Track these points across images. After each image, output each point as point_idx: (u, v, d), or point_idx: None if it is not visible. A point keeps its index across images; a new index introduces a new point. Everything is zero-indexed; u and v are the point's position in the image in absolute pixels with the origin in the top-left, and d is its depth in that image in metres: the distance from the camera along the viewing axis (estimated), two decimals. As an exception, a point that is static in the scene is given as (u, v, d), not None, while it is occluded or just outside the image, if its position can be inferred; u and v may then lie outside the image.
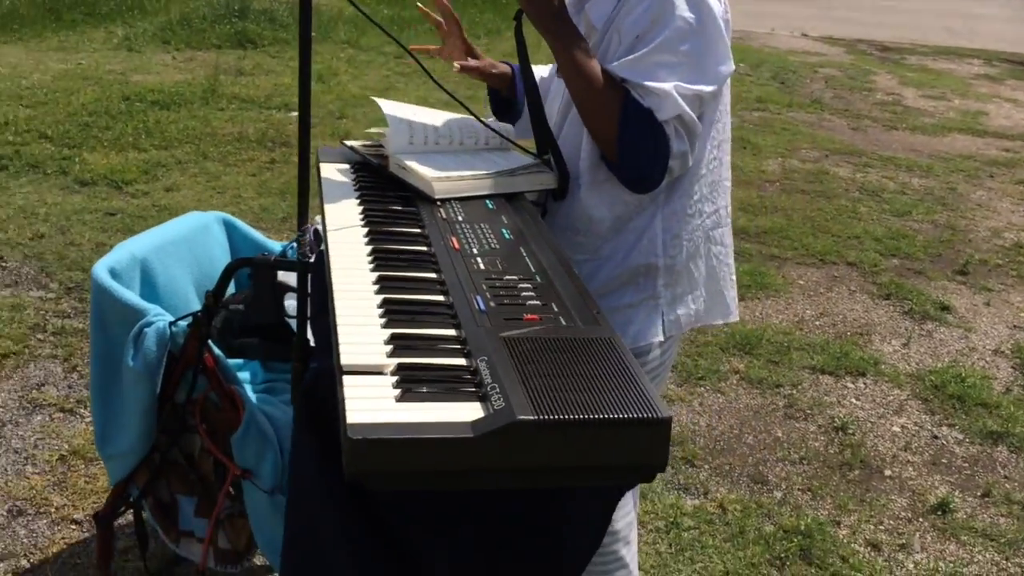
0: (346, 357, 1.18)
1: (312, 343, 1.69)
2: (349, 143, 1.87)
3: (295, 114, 6.15)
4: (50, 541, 2.47)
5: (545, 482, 1.13)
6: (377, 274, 1.39)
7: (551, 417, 1.06)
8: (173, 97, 6.48)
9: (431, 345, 1.22)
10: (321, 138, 5.84)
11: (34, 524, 2.53)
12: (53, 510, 2.58)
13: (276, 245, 2.37)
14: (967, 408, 3.48)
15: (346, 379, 1.13)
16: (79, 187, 4.85)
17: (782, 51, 10.93)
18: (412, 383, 1.13)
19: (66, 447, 2.83)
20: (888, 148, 7.06)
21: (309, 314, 1.71)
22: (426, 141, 1.80)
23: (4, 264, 3.95)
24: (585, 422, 1.06)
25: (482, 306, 1.30)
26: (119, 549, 2.39)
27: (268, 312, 1.92)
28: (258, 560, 2.34)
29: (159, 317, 1.96)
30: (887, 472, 3.08)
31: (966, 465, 3.15)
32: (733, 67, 1.63)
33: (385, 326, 1.25)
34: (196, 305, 2.12)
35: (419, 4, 2.05)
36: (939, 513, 2.88)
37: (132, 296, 2.01)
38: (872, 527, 2.80)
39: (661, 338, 1.74)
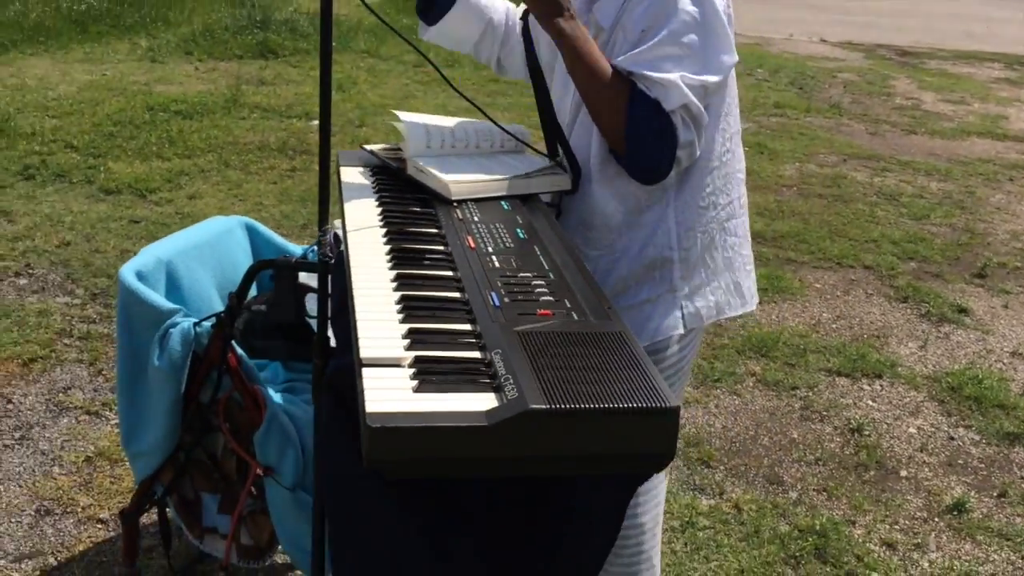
0: (365, 351, 1.22)
1: (332, 342, 1.73)
2: (368, 147, 1.92)
3: (315, 123, 6.22)
4: (76, 540, 2.53)
5: (557, 469, 1.16)
6: (395, 272, 1.43)
7: (563, 406, 1.09)
8: (196, 107, 6.57)
9: (447, 339, 1.26)
10: (341, 146, 5.90)
11: (61, 523, 2.58)
12: (79, 510, 2.64)
13: (297, 248, 2.42)
14: (984, 409, 3.48)
15: (365, 371, 1.17)
16: (104, 195, 4.94)
17: (800, 56, 10.93)
18: (429, 375, 1.17)
19: (92, 448, 2.89)
20: (907, 152, 7.05)
21: (329, 314, 1.75)
22: (443, 144, 1.84)
23: (31, 271, 4.03)
24: (595, 411, 1.10)
25: (496, 302, 1.34)
26: (144, 547, 2.45)
27: (289, 312, 1.97)
28: (279, 558, 2.39)
29: (184, 318, 2.01)
30: (903, 473, 3.09)
31: (982, 466, 3.16)
32: (736, 58, 1.66)
33: (403, 321, 1.30)
34: (219, 306, 2.17)
35: None
36: (955, 513, 2.89)
37: (158, 298, 2.06)
38: (887, 527, 2.81)
39: (682, 331, 1.77)
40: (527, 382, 1.13)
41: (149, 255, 2.18)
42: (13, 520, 2.58)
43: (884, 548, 2.71)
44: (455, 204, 1.69)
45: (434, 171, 1.73)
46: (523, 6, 1.82)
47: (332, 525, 1.57)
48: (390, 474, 1.12)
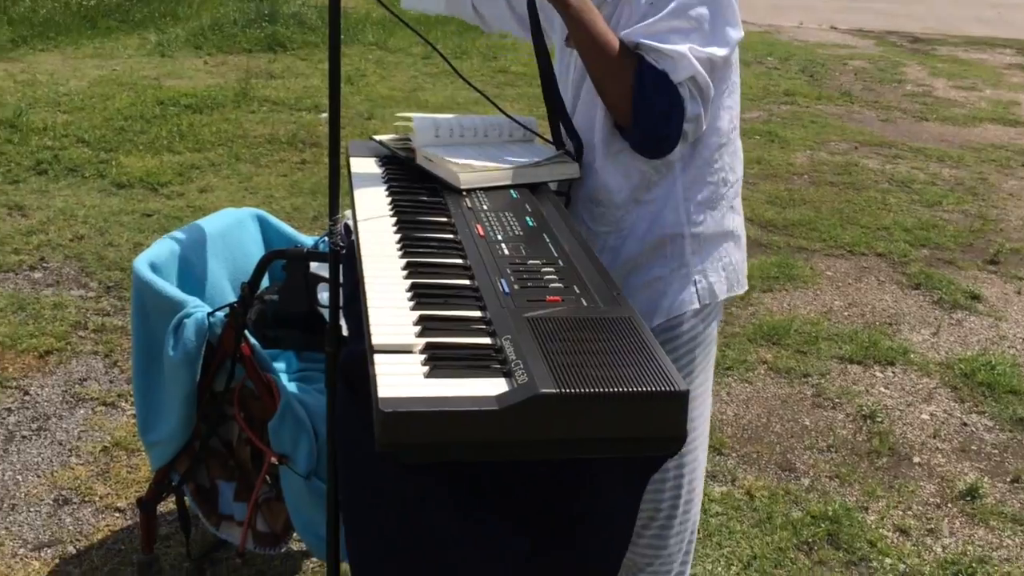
0: (377, 338, 1.23)
1: (345, 331, 1.75)
2: (378, 137, 1.93)
3: (325, 115, 6.23)
4: (94, 528, 2.56)
5: (567, 453, 1.17)
6: (406, 260, 1.45)
7: (572, 390, 1.10)
8: (206, 101, 6.60)
9: (458, 326, 1.27)
10: (350, 138, 5.91)
11: (79, 512, 2.61)
12: (97, 499, 2.67)
13: (308, 239, 2.43)
14: (997, 395, 3.47)
15: (377, 358, 1.19)
16: (116, 189, 4.97)
17: (811, 44, 10.88)
18: (440, 360, 1.18)
19: (108, 439, 2.92)
20: (918, 139, 7.02)
21: (341, 303, 1.76)
22: (452, 134, 1.85)
23: (46, 265, 4.06)
24: (604, 395, 1.11)
25: (506, 289, 1.35)
26: (161, 535, 2.48)
27: (301, 302, 1.98)
28: (295, 544, 2.41)
29: (198, 308, 2.03)
30: (916, 459, 3.09)
31: (995, 451, 3.16)
32: (742, 33, 1.66)
33: (414, 308, 1.31)
34: (232, 297, 2.19)
35: None
36: (968, 499, 2.89)
37: (172, 288, 2.08)
38: (900, 512, 2.81)
39: (696, 306, 1.77)
40: (537, 367, 1.14)
41: (162, 247, 2.20)
42: (32, 509, 2.61)
43: (897, 534, 2.72)
44: (464, 193, 1.70)
45: (443, 160, 1.74)
46: None
47: (346, 511, 1.59)
48: (402, 459, 1.13)
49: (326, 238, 2.20)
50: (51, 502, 2.64)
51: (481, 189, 1.72)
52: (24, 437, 2.92)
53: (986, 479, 3.00)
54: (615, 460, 1.40)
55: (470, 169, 1.72)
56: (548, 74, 1.81)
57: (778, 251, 4.70)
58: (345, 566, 1.78)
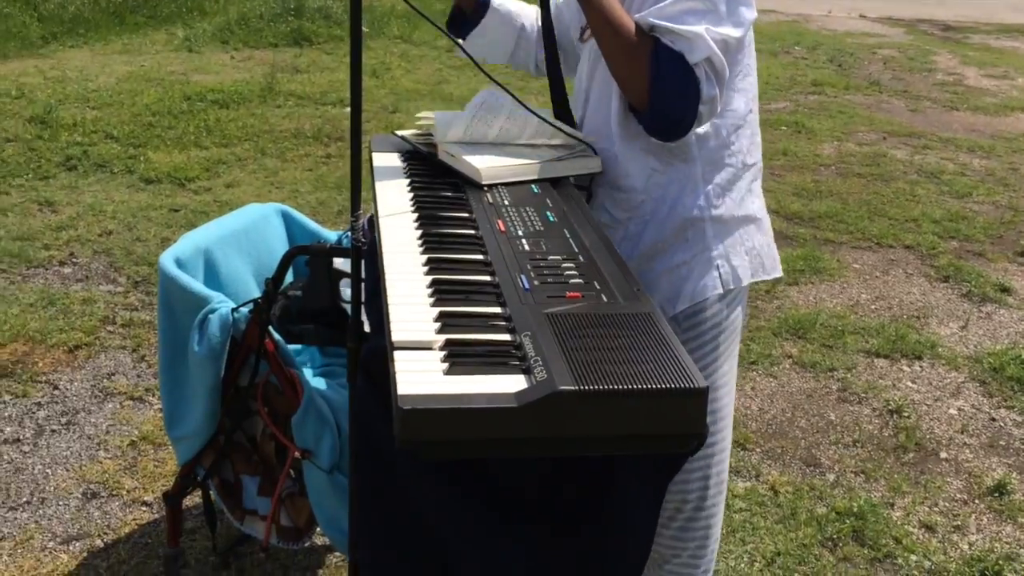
0: (397, 334, 1.23)
1: (367, 326, 1.76)
2: (400, 133, 1.93)
3: (349, 109, 6.27)
4: (122, 522, 2.59)
5: (587, 450, 1.17)
6: (427, 256, 1.45)
7: (591, 387, 1.10)
8: (232, 96, 6.64)
9: (478, 322, 1.27)
10: (374, 132, 5.93)
11: (107, 506, 2.65)
12: (125, 492, 2.70)
13: (331, 234, 2.45)
14: (1027, 390, 3.43)
15: (397, 354, 1.19)
16: (144, 185, 5.01)
17: (839, 33, 10.76)
18: (459, 357, 1.18)
19: (136, 433, 2.96)
20: (948, 129, 6.93)
21: (363, 298, 1.77)
22: (474, 130, 1.85)
23: (75, 260, 4.11)
24: (624, 392, 1.11)
25: (526, 285, 1.35)
26: (187, 529, 2.50)
27: (324, 297, 1.99)
28: (318, 539, 2.43)
29: (222, 304, 2.05)
30: (943, 454, 3.06)
31: (1025, 447, 3.12)
32: (755, 13, 1.66)
33: (434, 305, 1.31)
34: (256, 292, 2.20)
35: None
36: (996, 495, 2.86)
37: (197, 284, 2.10)
38: (927, 509, 2.79)
39: (720, 291, 1.76)
40: (556, 364, 1.14)
41: (188, 243, 2.22)
42: (61, 503, 2.65)
43: (923, 530, 2.69)
44: (485, 188, 1.70)
45: (465, 156, 1.74)
46: None
47: (359, 505, 1.59)
48: (422, 455, 1.14)
49: (349, 233, 2.22)
50: (80, 496, 2.68)
51: (503, 184, 1.72)
52: (54, 431, 2.96)
53: (1014, 475, 2.96)
54: (636, 458, 1.40)
55: (492, 165, 1.72)
56: (559, 79, 1.82)
57: (804, 243, 4.66)
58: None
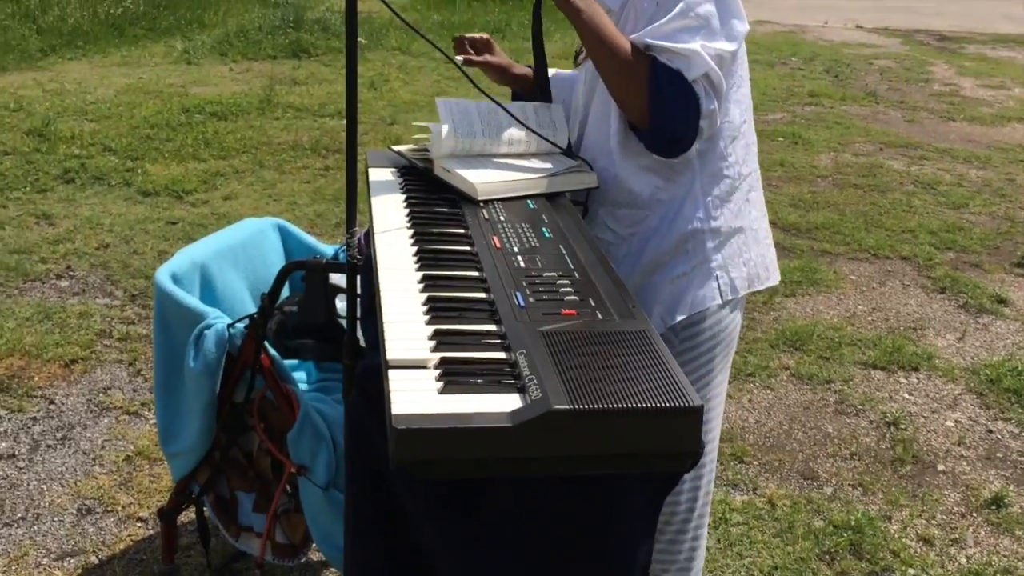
0: (392, 352, 1.23)
1: (362, 342, 1.75)
2: (396, 148, 1.93)
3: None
4: (117, 538, 2.58)
5: (582, 469, 1.17)
6: (422, 273, 1.45)
7: (585, 406, 1.10)
8: (230, 108, 6.65)
9: (472, 340, 1.27)
10: (373, 144, 5.95)
11: (102, 522, 2.64)
12: (120, 508, 2.69)
13: (328, 249, 2.44)
14: (1023, 402, 3.43)
15: (391, 373, 1.19)
16: (142, 197, 5.01)
17: (836, 44, 10.80)
18: (454, 376, 1.18)
19: (131, 448, 2.95)
20: (945, 140, 6.95)
21: (359, 314, 1.77)
22: (471, 146, 1.85)
23: (72, 273, 4.11)
24: (619, 411, 1.10)
25: (522, 302, 1.35)
26: (182, 545, 2.49)
27: (320, 313, 1.99)
28: (314, 555, 2.42)
29: (218, 319, 2.04)
30: (940, 467, 3.05)
31: (1022, 459, 3.11)
32: (748, 26, 1.67)
33: (429, 322, 1.31)
34: (252, 307, 2.20)
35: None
36: (993, 507, 2.85)
37: (193, 300, 2.10)
38: (924, 522, 2.78)
39: (719, 301, 1.78)
40: (551, 382, 1.14)
41: (184, 258, 2.22)
42: (56, 519, 2.64)
43: (920, 543, 2.69)
44: (481, 204, 1.70)
45: (460, 171, 1.74)
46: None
47: (351, 521, 1.59)
48: (417, 474, 1.14)
49: (345, 247, 2.21)
50: (74, 511, 2.67)
51: (499, 200, 1.72)
52: (49, 446, 2.95)
53: (1012, 488, 2.95)
54: (631, 477, 1.39)
55: (488, 181, 1.72)
56: (543, 69, 1.89)
57: (801, 255, 4.67)
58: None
